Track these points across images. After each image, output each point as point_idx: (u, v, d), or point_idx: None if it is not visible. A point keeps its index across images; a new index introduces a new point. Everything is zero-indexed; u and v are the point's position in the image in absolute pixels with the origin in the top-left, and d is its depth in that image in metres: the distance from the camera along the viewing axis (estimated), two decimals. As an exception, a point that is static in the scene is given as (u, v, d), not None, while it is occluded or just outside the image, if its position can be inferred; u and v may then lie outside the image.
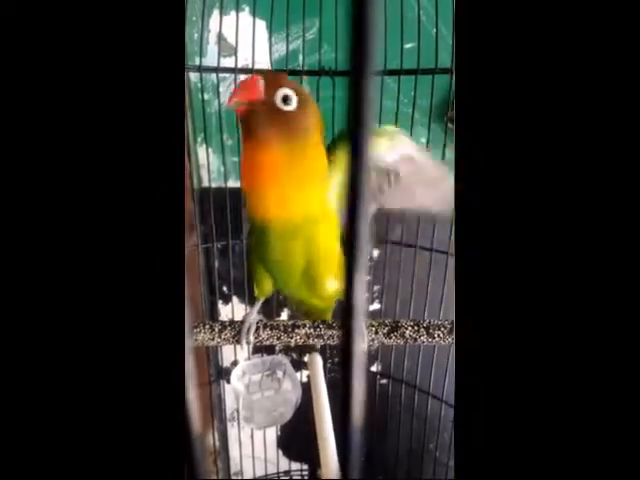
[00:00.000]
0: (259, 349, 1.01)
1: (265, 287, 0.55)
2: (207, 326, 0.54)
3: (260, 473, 1.11)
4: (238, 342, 0.53)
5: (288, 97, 0.43)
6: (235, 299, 0.99)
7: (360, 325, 0.14)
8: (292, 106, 0.43)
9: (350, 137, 0.12)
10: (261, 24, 0.82)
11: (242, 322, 0.54)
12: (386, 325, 0.54)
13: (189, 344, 0.14)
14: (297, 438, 1.10)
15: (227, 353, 1.05)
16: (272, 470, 1.12)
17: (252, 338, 0.53)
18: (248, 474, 1.11)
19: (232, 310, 0.99)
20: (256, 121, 0.43)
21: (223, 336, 0.53)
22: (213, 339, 0.53)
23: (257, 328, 0.54)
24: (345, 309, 0.13)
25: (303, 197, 0.45)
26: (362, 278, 0.13)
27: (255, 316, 0.55)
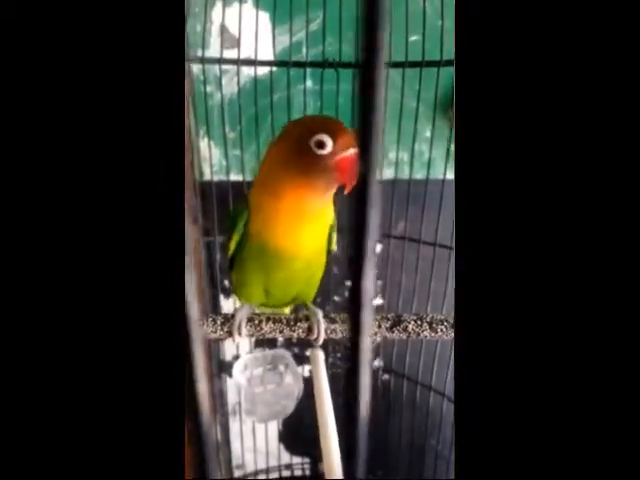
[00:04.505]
0: (261, 343, 1.01)
1: (255, 298, 0.58)
2: (210, 319, 0.53)
3: (262, 466, 1.11)
4: (230, 336, 0.53)
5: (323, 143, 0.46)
6: (237, 293, 0.99)
7: (368, 319, 0.14)
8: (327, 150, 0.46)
9: (360, 128, 0.12)
10: (264, 16, 0.81)
11: (233, 316, 0.54)
12: (388, 319, 0.54)
13: (198, 335, 0.14)
14: (299, 432, 1.10)
15: (229, 347, 1.05)
16: (274, 463, 1.12)
17: (244, 332, 0.53)
18: (250, 467, 1.11)
19: (234, 304, 0.99)
20: (316, 172, 0.46)
21: (225, 329, 0.53)
22: (215, 332, 0.53)
23: (259, 322, 0.54)
24: (353, 303, 0.13)
25: (322, 236, 0.53)
26: (370, 272, 0.13)
27: (246, 310, 0.55)
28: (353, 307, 0.13)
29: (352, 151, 0.46)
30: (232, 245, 0.53)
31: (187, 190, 0.86)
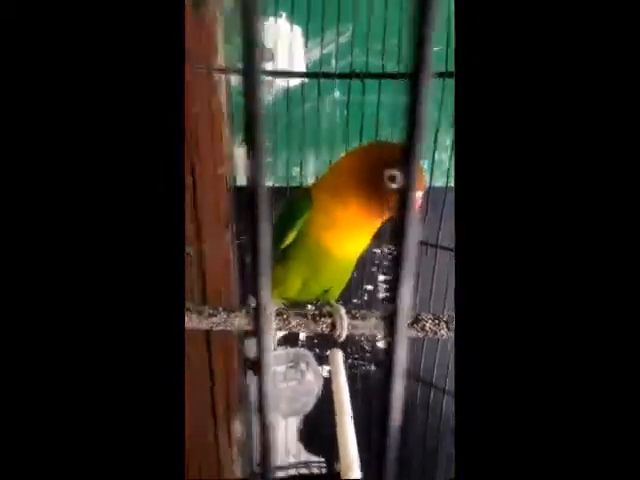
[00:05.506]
0: (283, 342, 1.04)
1: (289, 292, 0.61)
2: (243, 311, 0.57)
3: (281, 463, 1.14)
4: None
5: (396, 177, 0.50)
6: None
7: (403, 330, 0.14)
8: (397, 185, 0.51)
9: (405, 139, 0.12)
10: (297, 30, 0.86)
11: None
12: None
13: (269, 325, 0.14)
14: (317, 431, 1.12)
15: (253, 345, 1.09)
16: (292, 461, 1.15)
17: (273, 325, 0.57)
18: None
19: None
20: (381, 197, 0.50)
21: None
22: (249, 324, 0.57)
23: (286, 317, 0.58)
24: (391, 316, 0.14)
25: (367, 243, 0.58)
26: (409, 286, 0.14)
27: (274, 305, 0.58)
28: (390, 314, 0.14)
29: (419, 194, 0.51)
30: (289, 238, 0.56)
31: (222, 198, 0.90)
